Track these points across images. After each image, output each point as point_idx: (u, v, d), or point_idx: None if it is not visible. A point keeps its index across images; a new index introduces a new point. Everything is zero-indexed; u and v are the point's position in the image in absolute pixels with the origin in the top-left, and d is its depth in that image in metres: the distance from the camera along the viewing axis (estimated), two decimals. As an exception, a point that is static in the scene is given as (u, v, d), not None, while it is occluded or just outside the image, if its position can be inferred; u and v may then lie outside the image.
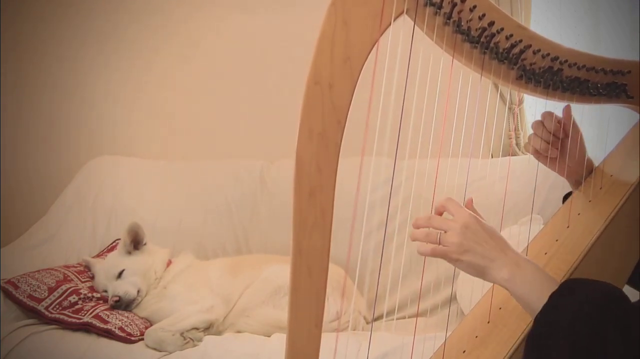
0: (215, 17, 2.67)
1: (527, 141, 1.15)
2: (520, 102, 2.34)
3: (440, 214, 0.96)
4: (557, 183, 1.22)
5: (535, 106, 2.28)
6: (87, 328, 1.78)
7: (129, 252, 2.00)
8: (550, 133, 1.10)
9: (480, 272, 0.92)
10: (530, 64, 0.98)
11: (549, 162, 1.15)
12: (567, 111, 1.11)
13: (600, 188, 1.12)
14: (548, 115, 1.11)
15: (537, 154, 1.13)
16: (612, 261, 1.03)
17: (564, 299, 0.83)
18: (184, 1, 2.68)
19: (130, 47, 2.71)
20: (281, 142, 2.15)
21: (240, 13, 2.63)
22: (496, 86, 2.07)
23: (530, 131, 1.15)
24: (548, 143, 1.12)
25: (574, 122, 1.11)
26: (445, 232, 0.92)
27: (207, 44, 2.69)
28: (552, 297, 0.84)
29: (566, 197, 1.20)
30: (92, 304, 1.90)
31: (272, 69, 2.59)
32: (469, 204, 0.98)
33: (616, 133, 1.23)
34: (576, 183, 1.18)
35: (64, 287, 1.93)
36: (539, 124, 1.11)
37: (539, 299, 0.86)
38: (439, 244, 0.92)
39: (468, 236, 0.91)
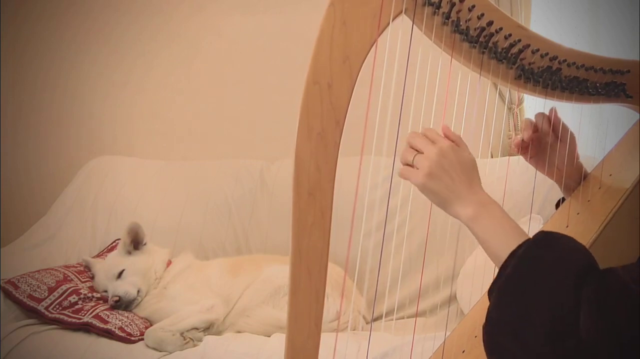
0: (215, 18, 2.67)
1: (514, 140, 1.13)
2: (520, 102, 2.34)
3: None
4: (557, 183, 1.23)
5: (535, 106, 2.28)
6: (87, 328, 1.78)
7: (129, 252, 2.01)
8: (538, 131, 1.09)
9: (443, 203, 0.89)
10: (529, 64, 0.98)
11: (533, 160, 1.12)
12: (553, 113, 1.09)
13: (600, 188, 1.12)
14: (540, 116, 1.09)
15: (525, 151, 1.11)
16: (612, 260, 1.03)
17: (540, 251, 0.79)
18: (184, 2, 2.68)
19: (130, 48, 2.72)
20: (281, 142, 2.16)
21: (240, 13, 2.64)
22: (495, 86, 2.07)
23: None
24: (534, 140, 1.10)
25: (564, 124, 1.10)
26: (422, 153, 0.90)
27: (207, 44, 2.70)
28: (527, 246, 0.80)
29: (559, 203, 1.19)
30: (92, 304, 1.90)
31: (272, 69, 2.60)
32: (446, 130, 0.94)
33: (615, 133, 1.23)
34: (566, 187, 1.15)
35: (64, 287, 1.93)
36: (529, 123, 1.09)
37: (502, 243, 0.82)
38: (412, 164, 0.90)
39: (441, 163, 0.88)
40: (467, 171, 0.90)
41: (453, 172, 0.88)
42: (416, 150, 0.91)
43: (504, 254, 0.81)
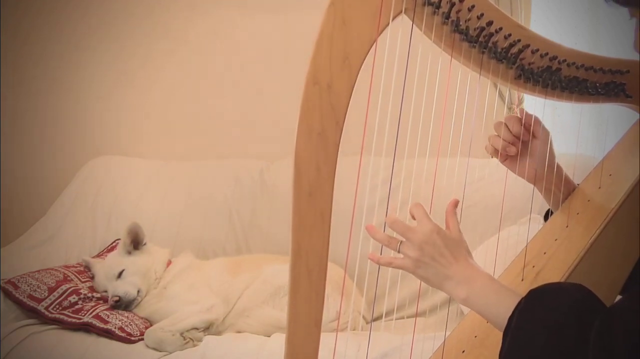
0: (215, 18, 2.67)
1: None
2: (520, 102, 2.33)
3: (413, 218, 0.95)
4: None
5: (535, 106, 2.28)
6: (87, 328, 1.78)
7: (129, 253, 2.01)
8: (510, 132, 1.08)
9: (438, 287, 0.91)
10: (529, 63, 0.98)
11: (510, 162, 1.12)
12: (522, 112, 1.10)
13: (599, 187, 1.12)
14: (511, 118, 1.08)
15: (497, 153, 1.11)
16: (612, 260, 1.03)
17: (533, 306, 0.82)
18: (184, 2, 2.68)
19: (131, 48, 2.72)
20: (281, 142, 2.15)
21: (240, 13, 2.64)
22: (495, 86, 2.07)
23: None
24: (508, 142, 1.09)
25: (542, 125, 1.09)
26: (405, 241, 0.91)
27: (207, 44, 2.70)
28: (520, 306, 0.83)
29: (547, 215, 1.18)
30: (92, 304, 1.90)
31: (272, 69, 2.60)
32: (450, 207, 0.95)
33: (615, 132, 1.23)
34: (547, 192, 1.14)
35: (64, 287, 1.93)
36: (500, 124, 1.08)
37: (499, 313, 0.85)
38: (398, 251, 0.92)
39: (425, 251, 0.89)
40: (453, 250, 0.91)
41: (439, 257, 0.90)
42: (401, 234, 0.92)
43: (504, 319, 0.84)
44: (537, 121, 1.09)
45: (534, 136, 1.10)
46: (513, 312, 0.83)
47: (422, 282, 0.93)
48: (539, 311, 0.81)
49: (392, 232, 0.94)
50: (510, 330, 0.82)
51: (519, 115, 1.09)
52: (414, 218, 0.94)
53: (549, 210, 1.19)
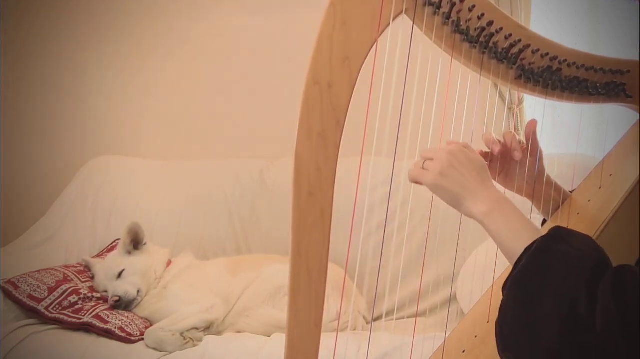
0: (215, 18, 2.67)
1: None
2: (520, 102, 2.33)
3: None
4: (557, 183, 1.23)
5: (536, 106, 2.28)
6: (87, 328, 1.78)
7: (129, 252, 2.01)
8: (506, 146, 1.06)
9: (456, 201, 0.88)
10: (529, 64, 0.98)
11: (501, 177, 1.10)
12: (531, 125, 1.07)
13: (600, 187, 1.12)
14: (506, 134, 1.07)
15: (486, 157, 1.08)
16: (614, 259, 1.03)
17: (556, 245, 0.79)
18: (184, 2, 2.68)
19: (131, 48, 2.72)
20: (281, 142, 2.15)
21: (240, 13, 2.64)
22: (496, 86, 2.07)
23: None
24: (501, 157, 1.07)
25: (535, 138, 1.08)
26: (432, 160, 0.90)
27: (206, 44, 2.70)
28: (543, 240, 0.79)
29: (544, 222, 1.18)
30: (92, 304, 1.90)
31: (272, 69, 2.60)
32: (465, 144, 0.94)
33: (615, 133, 1.23)
34: (545, 206, 1.13)
35: (64, 287, 1.93)
36: (493, 139, 1.06)
37: (516, 239, 0.82)
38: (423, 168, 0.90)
39: (451, 162, 0.88)
40: (478, 169, 0.90)
41: (464, 170, 0.88)
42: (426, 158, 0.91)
43: (518, 250, 0.80)
44: (535, 138, 1.08)
45: (531, 150, 1.08)
46: (536, 240, 0.80)
47: (422, 282, 0.92)
48: (562, 247, 0.78)
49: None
50: (529, 256, 0.78)
51: (529, 126, 1.08)
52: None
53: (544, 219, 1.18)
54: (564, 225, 1.08)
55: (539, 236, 0.82)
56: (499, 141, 1.05)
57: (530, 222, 0.86)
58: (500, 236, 0.85)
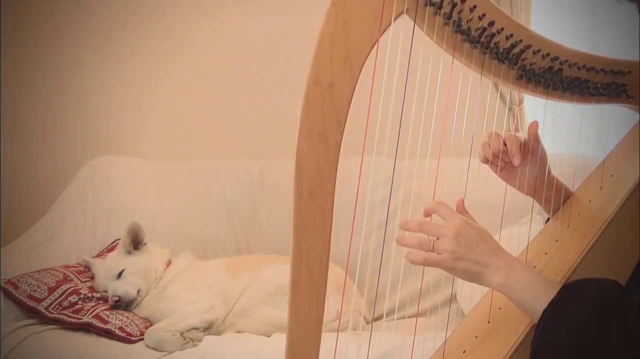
0: (215, 17, 2.67)
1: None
2: (520, 102, 2.33)
3: (428, 216, 0.95)
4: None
5: (536, 106, 2.28)
6: (87, 328, 1.78)
7: (129, 253, 2.01)
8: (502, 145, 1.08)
9: (474, 278, 0.91)
10: (530, 64, 0.98)
11: (503, 174, 1.12)
12: (532, 127, 1.09)
13: (601, 188, 1.12)
14: (508, 137, 1.08)
15: (486, 161, 1.11)
16: (614, 260, 1.03)
17: (565, 301, 0.83)
18: (184, 2, 2.68)
19: (131, 48, 2.72)
20: (281, 142, 2.15)
21: (241, 13, 2.64)
22: (496, 86, 2.07)
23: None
24: (497, 154, 1.09)
25: (537, 137, 1.09)
26: (437, 239, 0.91)
27: (207, 44, 2.70)
28: (554, 300, 0.84)
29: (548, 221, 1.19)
30: (92, 304, 1.90)
31: (273, 69, 2.60)
32: (460, 206, 0.97)
33: (616, 133, 1.23)
34: (547, 204, 1.15)
35: (64, 287, 1.93)
36: (496, 136, 1.08)
37: (536, 301, 0.86)
38: (432, 251, 0.91)
39: (461, 243, 0.90)
40: (486, 239, 0.92)
41: (474, 246, 0.90)
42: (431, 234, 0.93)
43: (540, 309, 0.85)
44: (536, 139, 1.09)
45: (532, 151, 1.10)
46: (548, 305, 0.84)
47: (423, 282, 0.93)
48: (569, 305, 0.82)
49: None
50: (542, 323, 0.83)
51: (530, 127, 1.10)
52: (428, 215, 0.94)
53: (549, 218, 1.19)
54: (565, 226, 1.08)
55: (555, 291, 0.86)
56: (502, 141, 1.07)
57: (545, 279, 0.91)
58: (521, 301, 0.90)
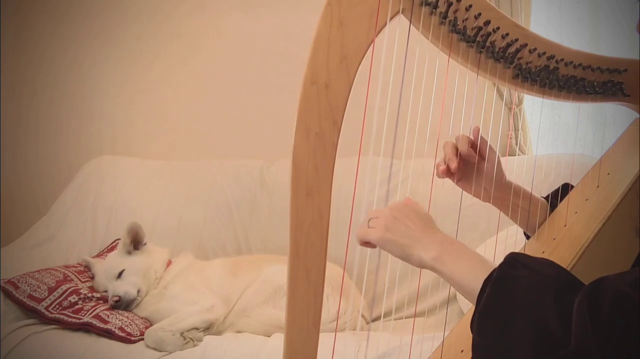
0: (215, 18, 2.67)
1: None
2: (520, 102, 2.33)
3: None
4: (557, 183, 1.23)
5: (534, 106, 2.28)
6: (87, 328, 1.78)
7: (129, 253, 2.01)
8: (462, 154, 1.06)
9: (405, 252, 0.87)
10: (526, 63, 0.98)
11: (463, 184, 1.10)
12: (475, 131, 1.07)
13: (597, 186, 1.12)
14: (462, 137, 1.07)
15: (444, 174, 1.08)
16: (611, 258, 1.03)
17: (516, 271, 0.77)
18: (183, 1, 2.68)
19: (130, 47, 2.72)
20: (281, 142, 2.14)
21: (240, 13, 2.64)
22: (494, 85, 2.07)
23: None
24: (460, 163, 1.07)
25: (490, 146, 1.08)
26: (377, 218, 0.90)
27: (206, 44, 2.70)
28: (502, 268, 0.78)
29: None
30: (92, 304, 1.90)
31: (272, 69, 2.60)
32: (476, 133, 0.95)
33: (613, 131, 1.23)
34: (514, 211, 1.12)
35: (64, 287, 1.93)
36: (448, 144, 1.07)
37: (472, 276, 0.80)
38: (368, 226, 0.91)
39: (395, 215, 0.88)
40: (422, 217, 0.90)
41: (408, 221, 0.88)
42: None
43: (476, 287, 0.79)
44: (484, 141, 1.08)
45: (482, 158, 1.08)
46: (494, 270, 0.79)
47: (421, 282, 0.92)
48: (521, 272, 0.77)
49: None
50: (489, 288, 0.77)
51: (471, 136, 1.08)
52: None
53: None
54: (562, 224, 1.08)
55: (492, 268, 0.81)
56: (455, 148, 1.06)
57: (483, 258, 0.85)
58: (455, 276, 0.83)
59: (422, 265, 0.87)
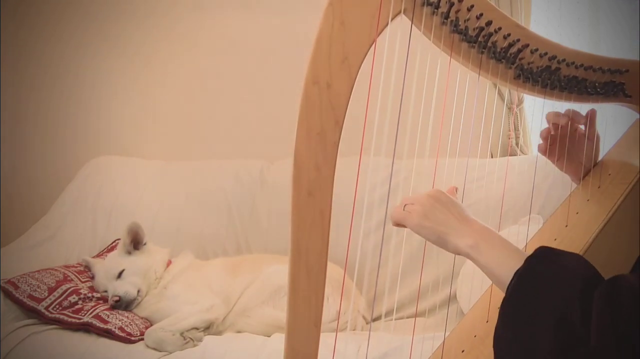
0: (215, 17, 2.67)
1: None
2: (520, 102, 2.33)
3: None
4: (557, 183, 1.22)
5: (535, 106, 2.28)
6: (87, 328, 1.78)
7: (129, 253, 2.01)
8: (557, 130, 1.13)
9: (441, 239, 0.89)
10: (528, 63, 0.98)
11: (559, 162, 1.16)
12: (591, 113, 1.13)
13: (599, 187, 1.12)
14: (556, 115, 1.12)
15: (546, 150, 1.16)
16: (612, 259, 1.03)
17: (543, 265, 0.79)
18: (183, 1, 2.68)
19: (130, 47, 2.72)
20: (281, 142, 2.15)
21: (240, 13, 2.64)
22: (495, 86, 2.07)
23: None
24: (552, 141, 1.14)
25: (593, 125, 1.14)
26: (414, 204, 0.92)
27: (207, 44, 2.70)
28: (530, 261, 0.80)
29: None
30: (92, 304, 1.90)
31: (272, 69, 2.60)
32: (452, 191, 0.98)
33: (614, 132, 1.23)
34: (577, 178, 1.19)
35: (64, 287, 1.93)
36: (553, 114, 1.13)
37: (505, 266, 0.82)
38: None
39: (432, 204, 0.90)
40: (459, 208, 0.91)
41: (445, 209, 0.90)
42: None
43: (508, 276, 0.80)
44: (592, 121, 1.13)
45: (589, 136, 1.14)
46: (517, 270, 0.80)
47: (422, 281, 0.92)
48: (549, 267, 0.78)
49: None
50: (516, 279, 0.79)
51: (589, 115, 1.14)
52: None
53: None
54: (564, 224, 1.08)
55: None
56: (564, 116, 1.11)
57: (517, 248, 0.86)
58: (490, 265, 0.85)
59: (457, 252, 0.88)
